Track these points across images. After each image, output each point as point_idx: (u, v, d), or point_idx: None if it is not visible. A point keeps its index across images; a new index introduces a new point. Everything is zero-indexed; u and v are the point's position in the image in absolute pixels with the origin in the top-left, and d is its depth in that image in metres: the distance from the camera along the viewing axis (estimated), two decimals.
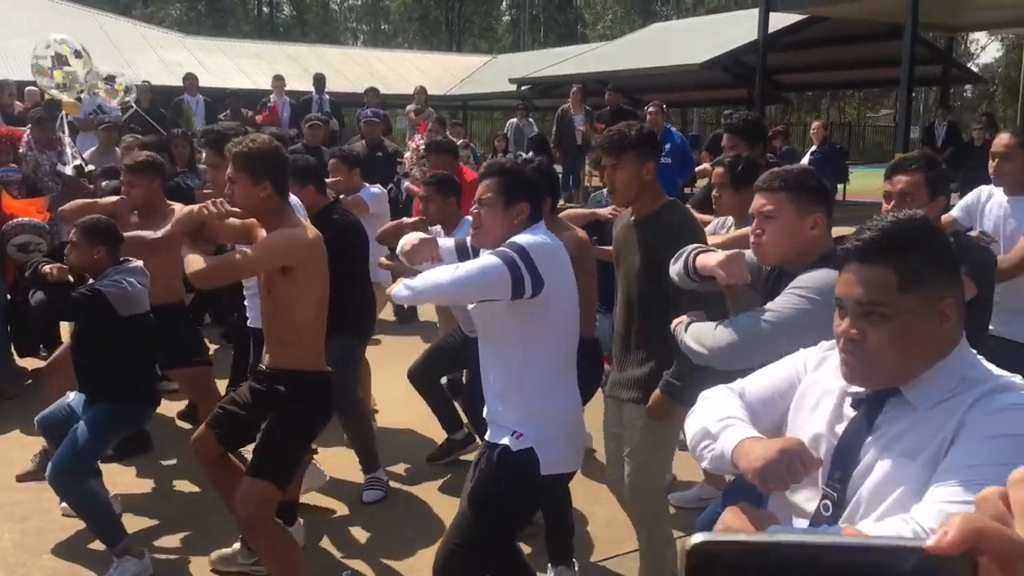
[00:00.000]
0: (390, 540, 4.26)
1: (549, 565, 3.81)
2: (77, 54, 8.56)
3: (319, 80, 13.12)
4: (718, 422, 1.81)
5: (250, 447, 3.59)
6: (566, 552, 3.83)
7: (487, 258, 2.77)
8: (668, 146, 9.76)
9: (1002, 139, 4.06)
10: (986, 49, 54.45)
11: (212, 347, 7.31)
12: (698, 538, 0.47)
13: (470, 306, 3.01)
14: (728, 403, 1.89)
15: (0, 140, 7.15)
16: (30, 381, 6.52)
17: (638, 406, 3.31)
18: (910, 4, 12.86)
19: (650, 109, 9.86)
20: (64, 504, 4.27)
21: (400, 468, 5.09)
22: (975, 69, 38.31)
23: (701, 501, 4.61)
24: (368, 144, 8.88)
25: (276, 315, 3.50)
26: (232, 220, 3.57)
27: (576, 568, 3.84)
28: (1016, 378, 1.59)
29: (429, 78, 24.14)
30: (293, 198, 4.15)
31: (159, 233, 4.64)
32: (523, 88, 22.16)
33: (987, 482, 1.39)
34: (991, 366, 1.64)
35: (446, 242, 3.38)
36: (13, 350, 6.61)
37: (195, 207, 3.53)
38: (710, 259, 2.64)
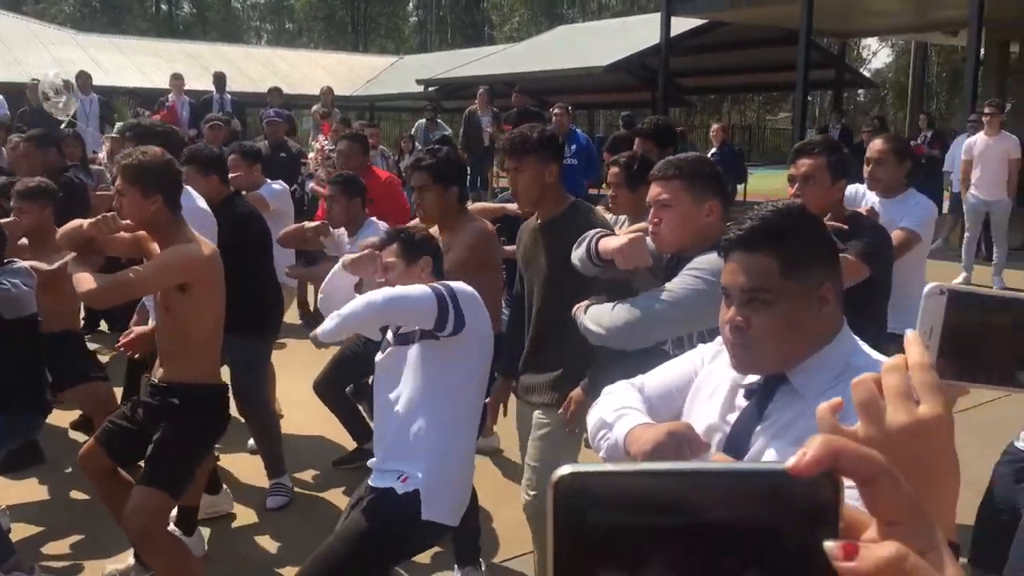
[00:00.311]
0: (295, 547, 4.18)
1: (456, 566, 3.80)
2: None
3: (219, 79, 12.84)
4: (614, 412, 1.87)
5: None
6: (473, 553, 3.83)
7: (420, 287, 2.82)
8: (574, 147, 9.89)
9: (875, 145, 4.24)
10: (877, 55, 56.59)
11: (108, 354, 7.11)
12: (565, 470, 0.47)
13: (378, 357, 3.04)
14: (626, 396, 1.94)
15: None
16: None
17: (548, 410, 3.33)
18: (805, 11, 13.32)
19: (555, 111, 9.97)
20: None
21: (307, 474, 5.01)
22: (867, 74, 39.81)
23: None
24: (271, 144, 8.74)
25: (173, 331, 3.43)
26: (122, 233, 3.46)
27: (483, 568, 3.85)
28: None
29: (335, 78, 23.85)
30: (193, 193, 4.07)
31: (54, 266, 4.46)
32: (430, 89, 22.11)
33: None
34: (875, 352, 1.70)
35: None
36: None
37: (83, 222, 3.41)
38: (612, 242, 2.66)
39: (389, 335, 3.04)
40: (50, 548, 4.17)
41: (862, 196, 4.36)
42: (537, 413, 3.35)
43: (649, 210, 2.66)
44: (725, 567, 0.47)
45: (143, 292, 3.64)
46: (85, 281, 3.27)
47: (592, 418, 1.96)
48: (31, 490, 4.80)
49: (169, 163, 3.40)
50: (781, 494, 0.48)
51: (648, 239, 2.76)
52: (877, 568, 0.46)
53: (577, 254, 2.82)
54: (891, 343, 2.92)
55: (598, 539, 0.47)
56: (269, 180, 6.08)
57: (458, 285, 2.86)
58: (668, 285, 2.53)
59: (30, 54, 19.19)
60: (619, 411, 1.86)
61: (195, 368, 3.44)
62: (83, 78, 12.20)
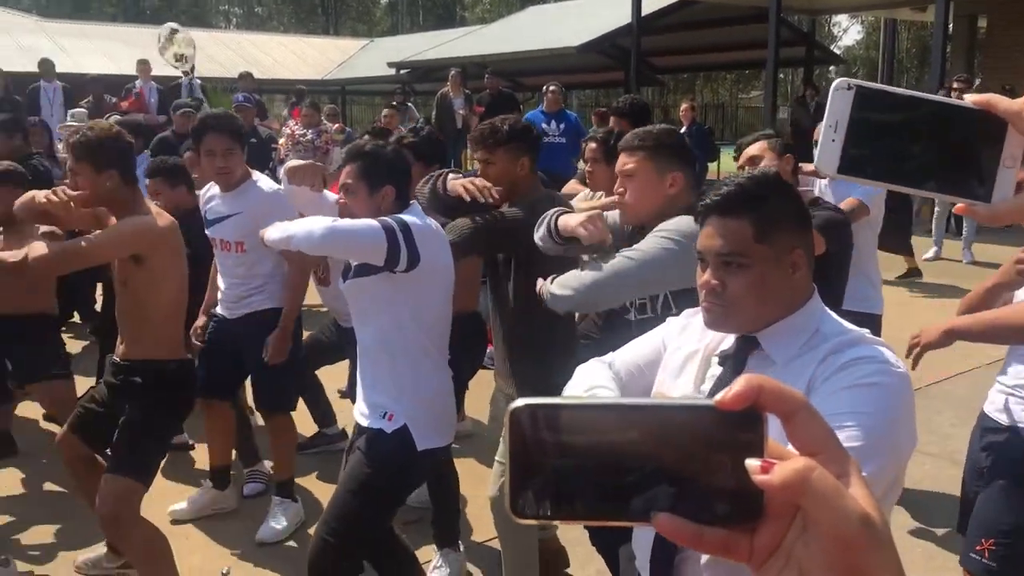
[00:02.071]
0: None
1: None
2: None
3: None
4: (585, 390, 1.89)
5: None
6: (452, 535, 3.84)
7: (368, 221, 2.75)
8: (563, 126, 9.96)
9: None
10: (847, 31, 56.89)
11: (81, 344, 7.05)
12: (520, 402, 0.53)
13: (342, 284, 2.98)
14: (596, 373, 1.96)
15: None
16: None
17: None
18: None
19: (551, 88, 10.07)
20: None
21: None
22: (837, 51, 40.02)
23: None
24: None
25: (132, 306, 3.39)
26: (80, 208, 3.40)
27: (462, 549, 3.87)
28: (866, 332, 1.70)
29: (305, 62, 23.69)
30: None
31: (20, 254, 4.39)
32: (402, 72, 21.98)
33: (849, 428, 1.48)
34: (843, 321, 1.73)
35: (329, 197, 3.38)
36: None
37: (38, 193, 3.35)
38: (571, 220, 2.67)
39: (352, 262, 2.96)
40: (24, 539, 4.14)
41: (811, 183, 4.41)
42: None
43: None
44: (658, 489, 0.53)
45: (95, 260, 3.56)
46: (37, 248, 3.23)
47: (565, 395, 1.97)
48: (4, 481, 4.77)
49: (118, 135, 3.35)
50: (710, 427, 0.53)
51: (610, 214, 2.78)
52: (786, 478, 0.51)
53: (539, 234, 2.83)
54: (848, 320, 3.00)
55: (548, 461, 0.53)
56: None
57: (411, 219, 2.78)
58: (637, 245, 2.54)
59: None
60: (591, 389, 1.88)
61: (155, 344, 3.40)
62: (46, 65, 12.01)
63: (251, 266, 4.09)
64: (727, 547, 0.53)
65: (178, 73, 12.81)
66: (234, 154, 3.97)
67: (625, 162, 2.64)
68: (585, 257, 2.83)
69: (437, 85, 16.29)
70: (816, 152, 0.80)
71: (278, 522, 4.17)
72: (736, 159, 3.62)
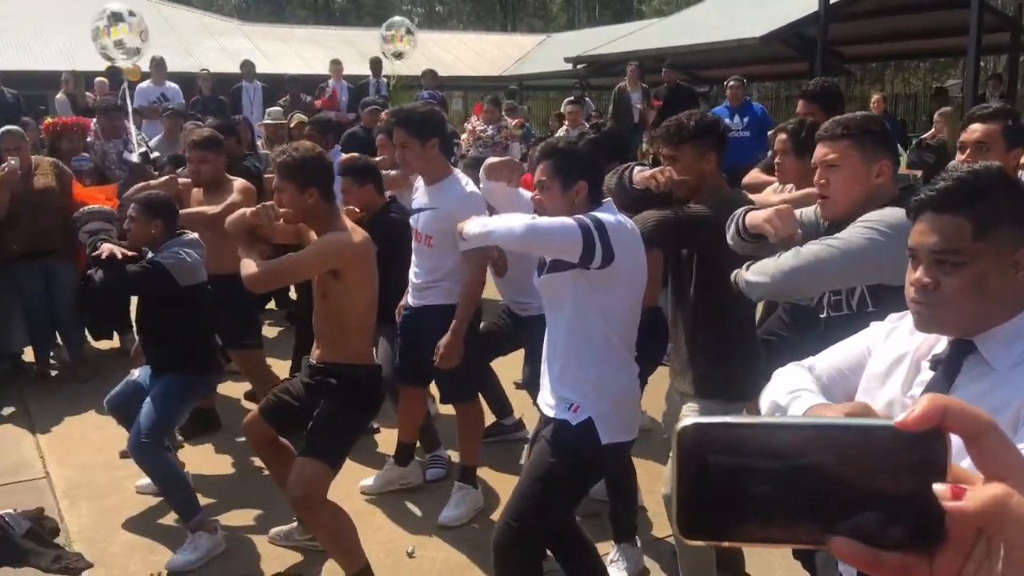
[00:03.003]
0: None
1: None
2: (131, 13, 9.03)
3: (376, 64, 13.18)
4: (788, 395, 1.83)
5: None
6: (630, 530, 3.84)
7: (565, 218, 2.79)
8: (746, 119, 9.71)
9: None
10: None
11: (276, 330, 7.49)
12: (688, 421, 0.51)
13: (537, 279, 3.04)
14: (798, 377, 1.91)
15: (71, 130, 7.36)
16: (98, 363, 6.73)
17: (693, 400, 3.30)
18: None
19: (731, 83, 9.83)
20: (139, 483, 4.41)
21: (452, 446, 5.12)
22: None
23: None
24: None
25: (328, 316, 3.60)
26: (282, 223, 3.64)
27: (639, 545, 3.86)
28: None
29: (484, 59, 24.16)
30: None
31: (218, 208, 4.72)
32: (579, 67, 22.02)
33: None
34: None
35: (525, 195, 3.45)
36: (87, 334, 6.83)
37: (247, 211, 3.62)
38: (758, 215, 2.59)
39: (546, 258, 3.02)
40: (224, 508, 4.45)
41: None
42: (684, 407, 3.32)
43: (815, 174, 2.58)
44: (838, 509, 0.51)
45: (299, 277, 3.88)
46: (248, 266, 3.48)
47: (765, 401, 1.93)
48: (208, 455, 5.14)
49: (320, 156, 3.57)
50: (890, 448, 0.51)
51: (802, 209, 2.67)
52: (983, 505, 0.49)
53: (729, 233, 2.77)
54: None
55: (719, 482, 0.52)
56: None
57: (607, 217, 2.80)
58: (839, 234, 2.43)
59: (200, 45, 20.31)
60: (793, 393, 1.82)
61: (349, 350, 3.60)
62: (247, 67, 12.80)
63: (435, 260, 4.22)
64: (905, 572, 0.51)
65: (366, 72, 13.34)
66: (408, 147, 4.05)
67: (827, 152, 2.52)
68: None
69: (612, 80, 16.22)
70: None
71: (458, 507, 4.30)
72: (964, 128, 3.31)
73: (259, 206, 3.60)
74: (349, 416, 3.60)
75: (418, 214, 4.24)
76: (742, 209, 2.76)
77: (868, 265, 2.36)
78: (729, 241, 2.79)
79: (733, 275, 2.67)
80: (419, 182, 4.33)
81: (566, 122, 10.89)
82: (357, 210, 4.46)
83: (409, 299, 4.37)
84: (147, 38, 9.33)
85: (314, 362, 3.70)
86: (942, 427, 0.51)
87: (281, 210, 3.51)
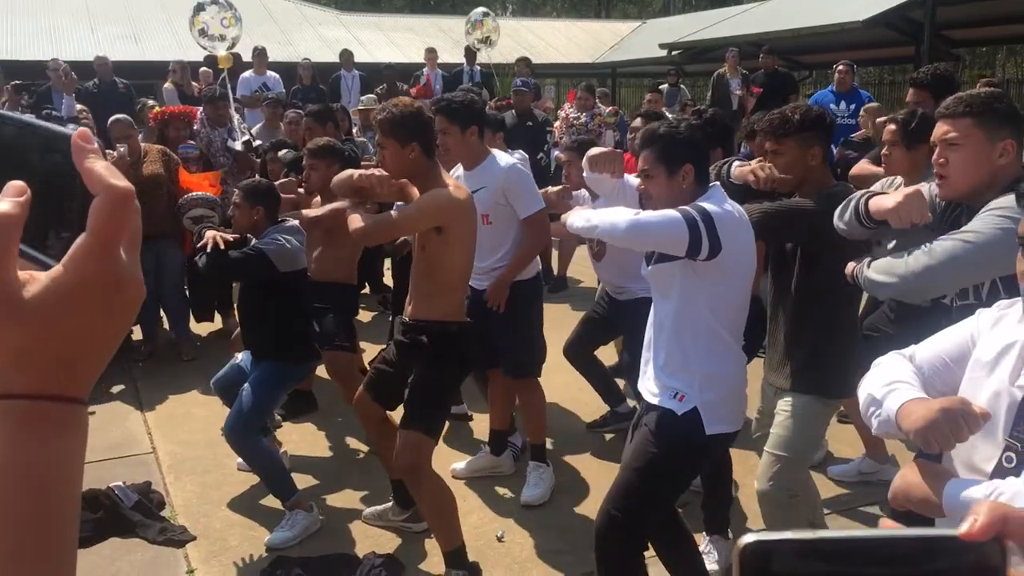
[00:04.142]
0: (545, 504, 4.33)
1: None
2: (213, 1, 9.30)
3: (470, 51, 13.26)
4: (883, 387, 1.80)
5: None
6: (723, 522, 3.80)
7: (668, 212, 2.75)
8: (853, 106, 9.48)
9: None
10: None
11: (370, 314, 7.63)
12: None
13: (645, 270, 3.01)
14: (896, 368, 1.86)
15: (178, 118, 7.61)
16: (203, 344, 6.97)
17: (789, 394, 3.23)
18: None
19: (840, 67, 9.62)
20: (240, 460, 4.56)
21: (556, 434, 5.13)
22: None
23: (861, 475, 4.47)
24: (517, 113, 8.93)
25: (427, 271, 3.63)
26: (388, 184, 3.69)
27: (731, 538, 3.81)
28: None
29: (578, 46, 24.02)
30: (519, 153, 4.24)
31: (322, 211, 4.80)
32: (674, 53, 21.72)
33: None
34: None
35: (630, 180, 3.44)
36: (191, 315, 7.08)
37: (354, 172, 3.69)
38: (885, 201, 2.49)
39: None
40: (320, 489, 4.56)
41: None
42: (780, 401, 3.26)
43: (927, 168, 2.49)
44: None
45: (403, 232, 3.98)
46: (355, 220, 3.55)
47: (862, 393, 1.89)
48: (306, 435, 5.27)
49: (420, 111, 3.60)
50: (953, 555, 0.52)
51: (927, 190, 2.57)
52: None
53: (844, 219, 2.69)
54: None
55: None
56: (509, 150, 6.22)
57: (713, 207, 2.75)
58: (969, 226, 2.33)
59: (299, 35, 20.73)
60: (889, 386, 1.79)
61: (441, 306, 3.63)
62: (346, 56, 13.01)
63: (496, 238, 4.30)
64: None
65: (460, 60, 13.42)
66: (447, 134, 4.15)
67: (948, 130, 2.42)
68: (890, 244, 2.66)
69: (707, 66, 15.94)
70: None
71: (537, 486, 4.34)
72: None
73: (364, 168, 3.67)
74: (441, 378, 3.64)
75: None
76: (863, 192, 2.69)
77: (1002, 256, 2.26)
78: (842, 226, 2.71)
79: (851, 271, 2.60)
80: (458, 171, 4.36)
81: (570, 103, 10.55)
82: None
83: (474, 283, 4.40)
84: (231, 24, 9.55)
85: (407, 319, 3.75)
86: (1002, 534, 0.52)
87: (384, 173, 3.57)
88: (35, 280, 0.59)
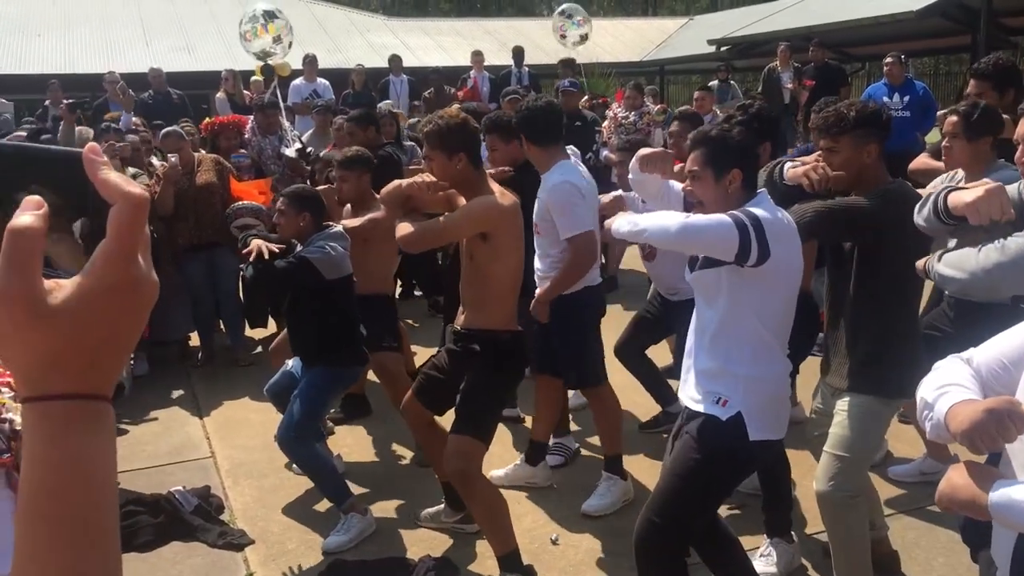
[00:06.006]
0: (565, 505, 4.30)
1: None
2: (269, 14, 9.68)
3: (518, 53, 13.25)
4: (936, 390, 1.78)
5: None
6: (784, 524, 3.73)
7: (719, 216, 2.72)
8: (907, 98, 9.30)
9: None
10: None
11: (422, 319, 7.66)
12: None
13: (689, 275, 2.98)
14: (952, 371, 1.83)
15: (228, 128, 7.73)
16: (259, 350, 7.06)
17: (847, 395, 3.17)
18: None
19: (888, 59, 9.40)
20: (295, 465, 4.60)
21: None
22: None
23: (923, 475, 4.37)
24: (566, 113, 8.89)
25: (475, 279, 3.64)
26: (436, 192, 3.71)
27: (795, 541, 3.74)
28: None
29: (624, 45, 23.90)
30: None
31: (357, 222, 4.83)
32: (722, 49, 21.49)
33: None
34: None
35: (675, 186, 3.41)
36: (245, 322, 7.18)
37: (402, 182, 3.72)
38: (964, 196, 2.41)
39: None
40: (375, 492, 4.58)
41: None
42: (839, 401, 3.19)
43: (988, 161, 2.42)
44: None
45: (450, 238, 3.95)
46: (403, 228, 3.59)
47: (918, 397, 1.87)
48: (359, 439, 5.31)
49: (465, 122, 3.62)
50: None
51: (1014, 188, 2.49)
52: None
53: (923, 214, 2.63)
54: None
55: None
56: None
57: (763, 214, 2.71)
58: None
59: (348, 41, 20.93)
60: (940, 389, 1.77)
61: (493, 315, 3.64)
62: (395, 61, 13.10)
63: (545, 247, 4.29)
64: None
65: (507, 62, 13.43)
66: (496, 149, 4.39)
67: None
68: (951, 242, 2.59)
69: (757, 61, 15.74)
70: None
71: (603, 497, 4.28)
72: None
73: (415, 177, 3.70)
74: (492, 385, 3.65)
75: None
76: (942, 187, 2.63)
77: None
78: (921, 222, 2.66)
79: (923, 264, 2.53)
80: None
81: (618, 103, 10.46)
82: (507, 169, 4.45)
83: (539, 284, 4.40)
84: (282, 32, 9.79)
85: (458, 328, 3.76)
86: None
87: (433, 180, 3.59)
88: (61, 287, 0.62)
